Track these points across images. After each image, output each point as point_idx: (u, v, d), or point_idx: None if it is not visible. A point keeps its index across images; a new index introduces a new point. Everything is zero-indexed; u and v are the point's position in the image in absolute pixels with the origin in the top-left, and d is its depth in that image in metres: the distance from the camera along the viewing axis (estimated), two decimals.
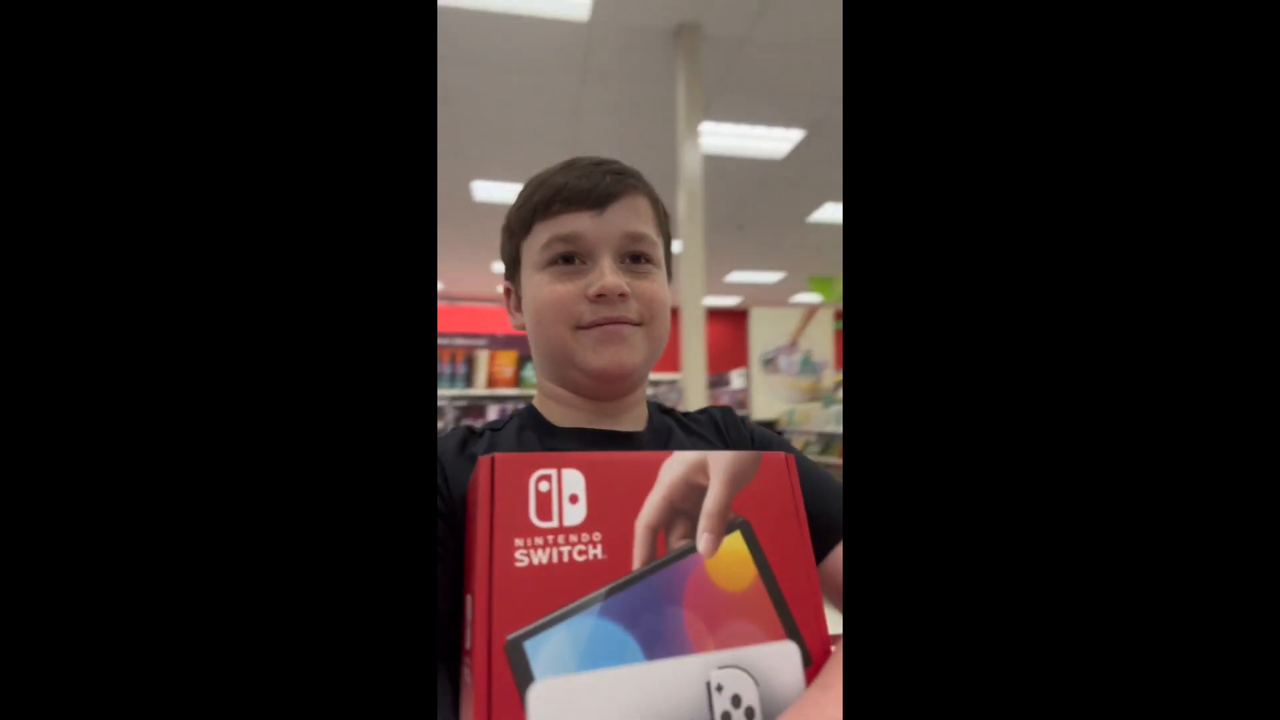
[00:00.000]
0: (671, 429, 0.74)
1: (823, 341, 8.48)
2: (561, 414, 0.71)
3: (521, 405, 0.76)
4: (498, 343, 4.33)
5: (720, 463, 0.52)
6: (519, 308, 0.73)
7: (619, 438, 0.69)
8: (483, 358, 4.24)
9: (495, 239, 0.80)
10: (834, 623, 0.52)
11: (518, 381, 4.24)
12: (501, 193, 6.25)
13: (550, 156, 0.77)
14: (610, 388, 0.69)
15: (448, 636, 0.50)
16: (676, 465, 0.51)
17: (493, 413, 4.24)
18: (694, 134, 3.90)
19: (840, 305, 8.38)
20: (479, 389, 4.23)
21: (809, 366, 8.31)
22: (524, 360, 4.27)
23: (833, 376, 8.22)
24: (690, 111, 3.88)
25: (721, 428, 0.77)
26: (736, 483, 0.52)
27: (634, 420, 0.73)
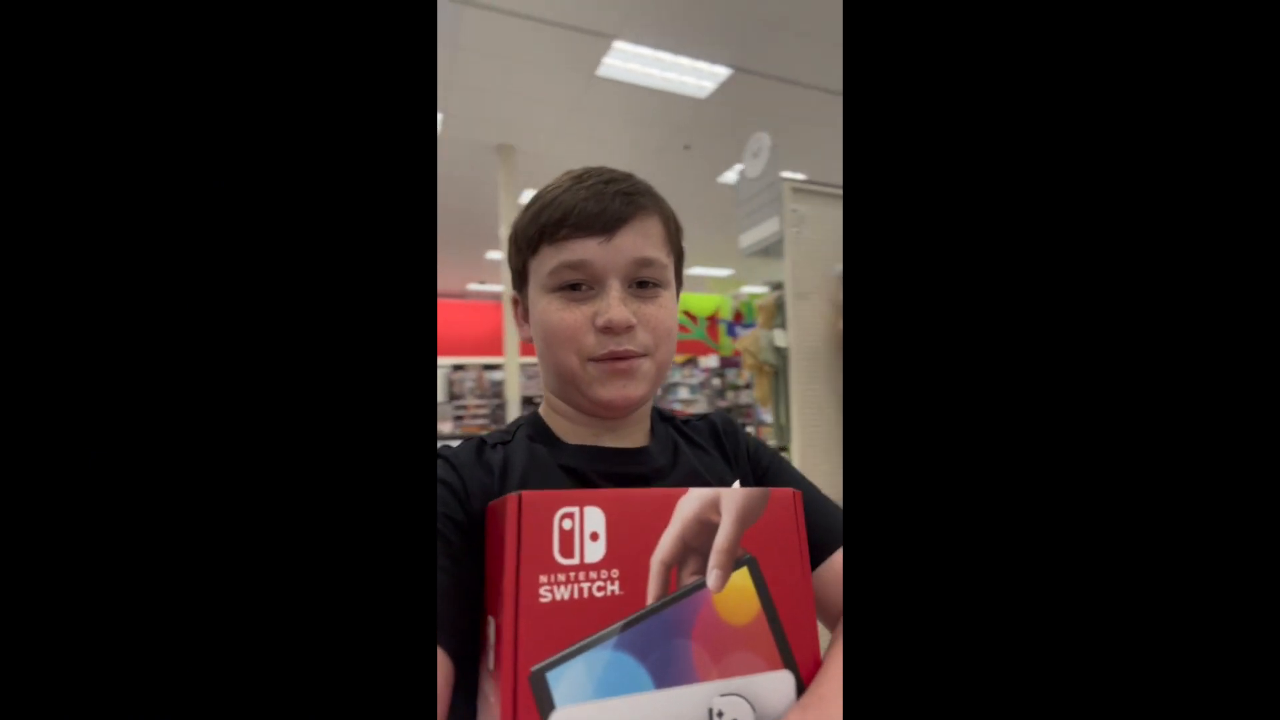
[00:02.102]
0: (677, 444, 0.75)
1: None
2: (568, 429, 0.72)
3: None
4: None
5: (732, 501, 0.54)
6: (526, 319, 0.74)
7: (627, 454, 0.71)
8: None
9: None
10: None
11: None
12: None
13: None
14: (616, 414, 0.70)
15: (461, 638, 0.54)
16: (691, 503, 0.53)
17: None
18: None
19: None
20: None
21: None
22: None
23: None
24: None
25: (721, 437, 0.79)
26: (746, 521, 0.54)
27: (639, 431, 0.74)
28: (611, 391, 0.66)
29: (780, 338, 2.64)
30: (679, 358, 10.96)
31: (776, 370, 2.75)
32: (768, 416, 2.91)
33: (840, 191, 2.47)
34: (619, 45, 4.17)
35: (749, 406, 9.12)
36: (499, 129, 5.45)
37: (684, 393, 11.00)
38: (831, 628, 0.66)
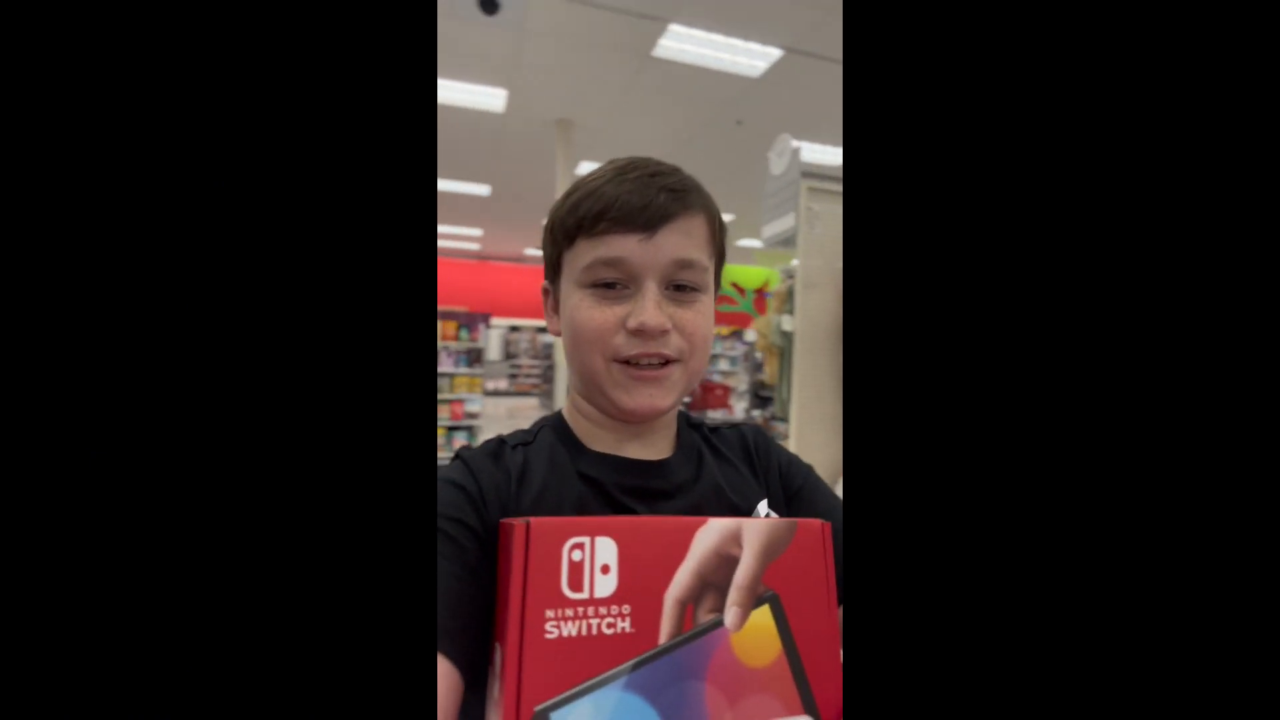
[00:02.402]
0: (702, 454, 0.67)
1: None
2: (591, 433, 0.64)
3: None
4: None
5: (755, 534, 0.48)
6: (556, 312, 0.65)
7: (649, 467, 0.63)
8: None
9: None
10: None
11: None
12: None
13: None
14: (639, 421, 0.63)
15: (472, 651, 0.49)
16: (710, 536, 0.47)
17: None
18: None
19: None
20: None
21: None
22: None
23: None
24: None
25: (752, 452, 0.70)
26: (770, 555, 0.48)
27: (664, 439, 0.66)
28: (637, 400, 0.59)
29: (787, 322, 2.75)
30: (723, 329, 10.80)
31: (783, 352, 2.83)
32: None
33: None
34: (674, 28, 4.09)
35: None
36: (559, 105, 5.45)
37: (724, 364, 10.83)
38: None
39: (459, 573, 0.51)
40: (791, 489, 0.68)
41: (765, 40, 4.23)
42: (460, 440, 6.65)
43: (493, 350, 8.00)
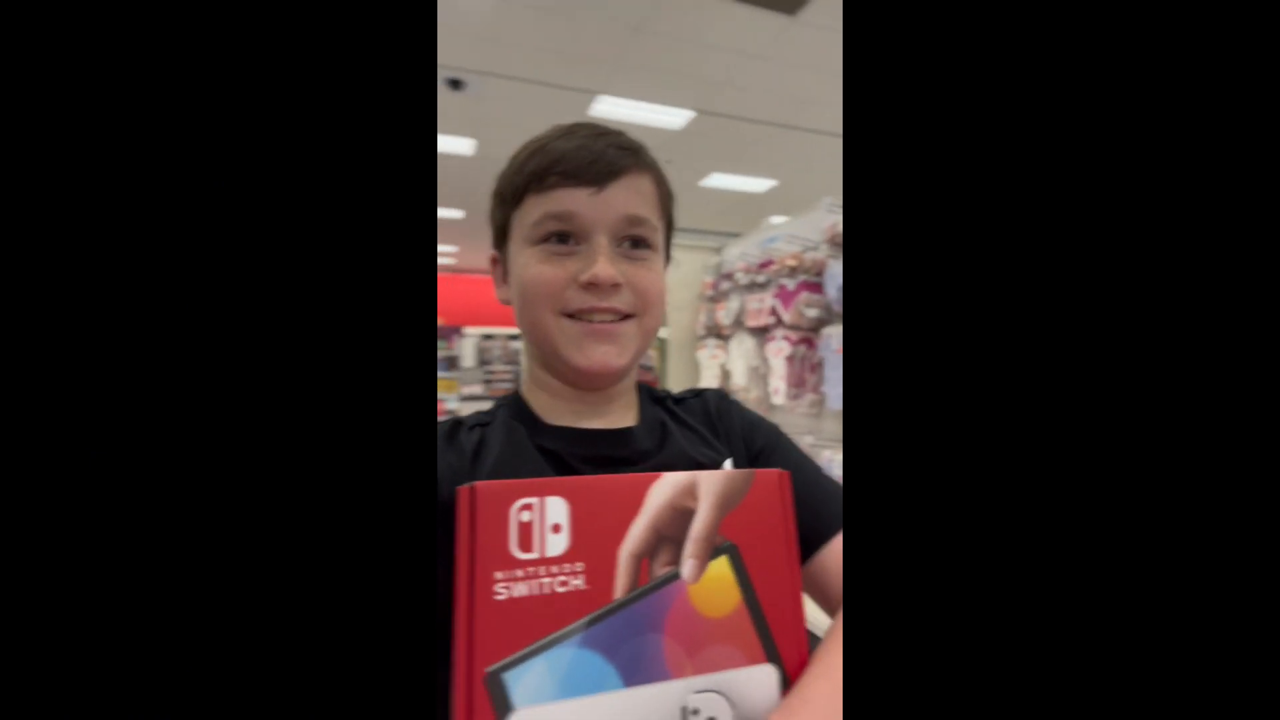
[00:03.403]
0: (665, 424, 0.55)
1: None
2: (550, 406, 0.53)
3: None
4: None
5: (710, 485, 0.39)
6: (505, 280, 0.53)
7: (610, 436, 0.52)
8: None
9: None
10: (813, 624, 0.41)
11: None
12: None
13: None
14: (596, 383, 0.52)
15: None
16: (664, 489, 0.38)
17: None
18: None
19: None
20: None
21: None
22: None
23: None
24: None
25: (713, 416, 0.58)
26: (726, 506, 0.39)
27: (624, 410, 0.55)
28: (591, 357, 0.48)
29: (663, 330, 3.15)
30: None
31: (661, 351, 3.27)
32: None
33: (698, 244, 3.02)
34: (602, 97, 4.26)
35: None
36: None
37: None
38: (832, 615, 0.49)
39: None
40: (754, 449, 0.57)
41: (679, 105, 4.36)
42: None
43: (467, 357, 7.77)
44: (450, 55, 3.48)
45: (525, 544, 0.35)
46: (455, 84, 3.79)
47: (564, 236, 0.48)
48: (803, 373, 2.33)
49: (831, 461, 2.11)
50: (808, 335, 2.35)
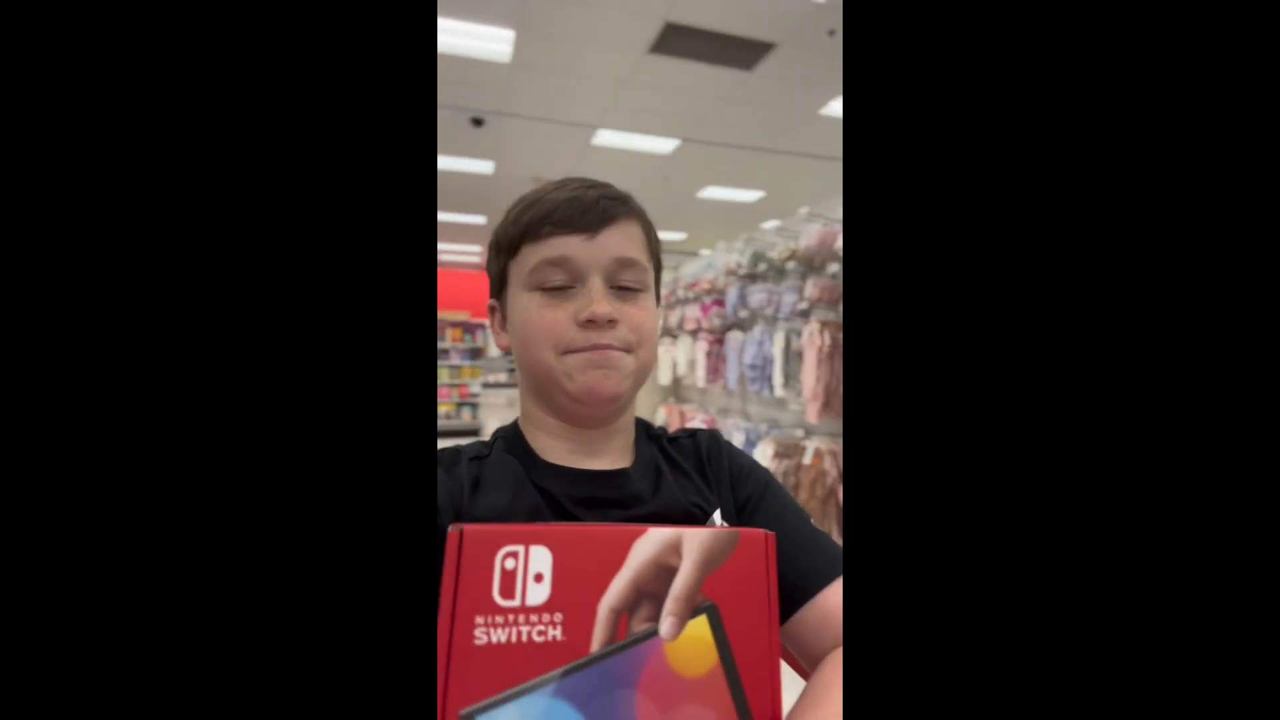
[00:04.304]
0: (660, 467, 0.51)
1: None
2: (546, 443, 0.50)
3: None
4: None
5: (695, 543, 0.37)
6: (504, 327, 0.52)
7: (604, 478, 0.49)
8: None
9: None
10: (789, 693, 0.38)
11: None
12: None
13: None
14: (594, 412, 0.48)
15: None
16: (648, 545, 0.36)
17: None
18: None
19: None
20: None
21: None
22: None
23: None
24: None
25: (704, 460, 0.54)
26: (709, 566, 0.37)
27: (621, 450, 0.52)
28: (589, 379, 0.46)
29: None
30: None
31: None
32: None
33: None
34: (601, 130, 4.69)
35: None
36: (533, 168, 5.94)
37: None
38: (810, 671, 0.47)
39: None
40: (740, 497, 0.53)
41: (668, 134, 4.78)
42: (468, 415, 6.88)
43: (493, 348, 8.65)
44: (473, 100, 4.04)
45: (507, 591, 0.34)
46: (477, 122, 4.48)
47: (561, 286, 0.47)
48: (716, 363, 3.50)
49: (736, 428, 3.15)
50: (719, 337, 3.48)
